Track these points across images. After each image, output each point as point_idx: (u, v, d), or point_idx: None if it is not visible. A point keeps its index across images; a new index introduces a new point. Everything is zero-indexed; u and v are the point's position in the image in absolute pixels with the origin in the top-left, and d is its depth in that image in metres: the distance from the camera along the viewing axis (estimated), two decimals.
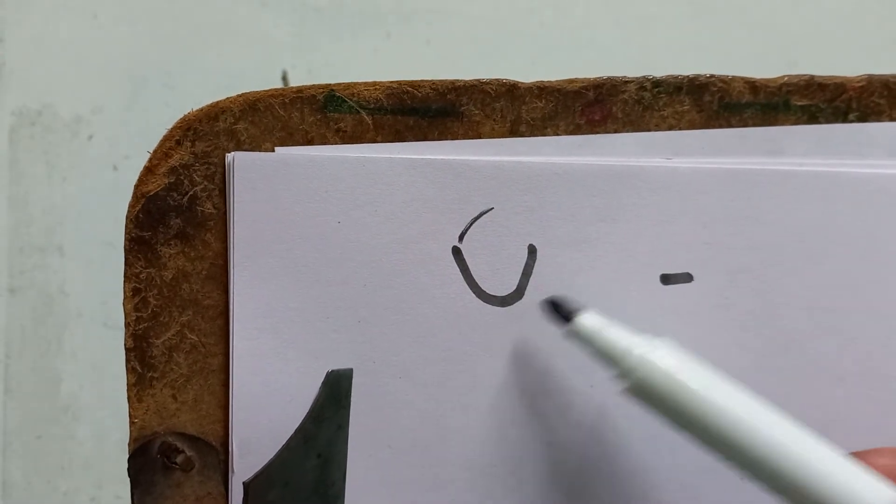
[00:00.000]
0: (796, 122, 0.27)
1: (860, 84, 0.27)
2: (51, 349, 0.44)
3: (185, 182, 0.26)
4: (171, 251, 0.26)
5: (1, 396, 0.44)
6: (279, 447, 0.23)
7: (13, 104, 0.46)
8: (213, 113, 0.25)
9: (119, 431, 0.45)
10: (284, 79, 0.46)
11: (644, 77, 0.26)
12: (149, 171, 0.25)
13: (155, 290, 0.26)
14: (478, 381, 0.27)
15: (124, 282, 0.26)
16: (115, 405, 0.44)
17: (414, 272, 0.26)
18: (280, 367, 0.26)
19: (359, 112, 0.26)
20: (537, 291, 0.27)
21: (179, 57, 0.46)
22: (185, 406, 0.26)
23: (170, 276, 0.26)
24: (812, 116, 0.27)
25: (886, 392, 0.27)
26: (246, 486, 0.23)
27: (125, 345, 0.26)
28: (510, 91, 0.26)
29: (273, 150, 0.26)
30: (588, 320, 0.24)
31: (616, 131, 0.27)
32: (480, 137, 0.26)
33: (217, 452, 0.26)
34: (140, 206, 0.26)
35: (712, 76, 0.27)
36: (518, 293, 0.27)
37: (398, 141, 0.26)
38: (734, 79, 0.27)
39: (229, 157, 0.26)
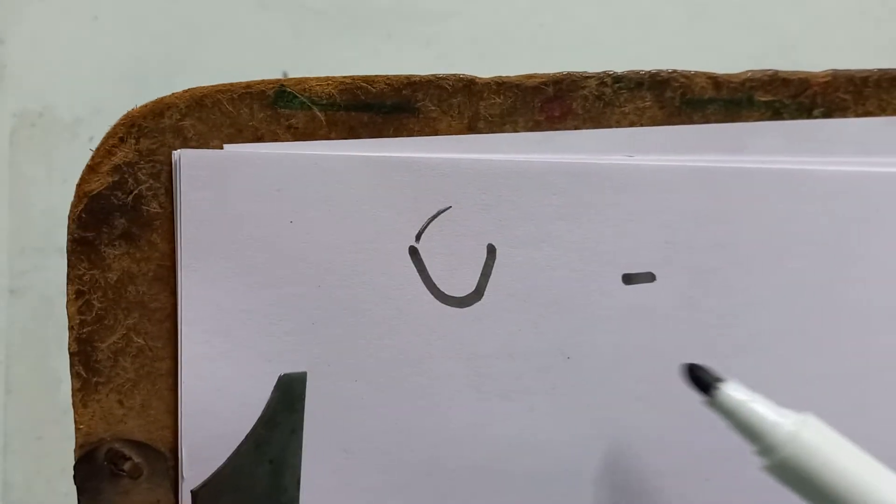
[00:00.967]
0: (760, 119, 0.26)
1: (825, 79, 0.26)
2: (51, 350, 0.44)
3: (130, 181, 0.25)
4: (116, 252, 0.25)
5: (1, 397, 0.44)
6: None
7: (13, 106, 0.45)
8: (158, 109, 0.25)
9: None
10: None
11: (604, 72, 0.26)
12: (91, 169, 0.25)
13: (99, 292, 0.25)
14: (436, 384, 0.26)
15: (67, 284, 0.25)
16: None
17: (369, 273, 0.26)
18: (231, 371, 0.26)
19: (311, 108, 0.25)
20: (496, 292, 0.26)
21: (179, 57, 0.46)
22: (133, 412, 0.26)
23: (114, 278, 0.25)
24: (776, 112, 0.26)
25: (852, 391, 0.27)
26: (194, 493, 0.22)
27: (69, 349, 0.25)
28: (468, 87, 0.26)
29: (221, 148, 0.25)
30: (732, 393, 0.23)
31: (576, 128, 0.26)
32: (437, 134, 0.26)
33: (166, 459, 0.26)
34: (83, 205, 0.25)
35: (674, 71, 0.26)
36: (477, 294, 0.26)
37: (352, 138, 0.26)
38: (696, 74, 0.26)
39: (176, 154, 0.25)
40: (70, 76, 0.45)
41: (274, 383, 0.23)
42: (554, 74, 0.26)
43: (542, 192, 0.26)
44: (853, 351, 0.27)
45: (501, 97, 0.26)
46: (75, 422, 0.25)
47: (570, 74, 0.26)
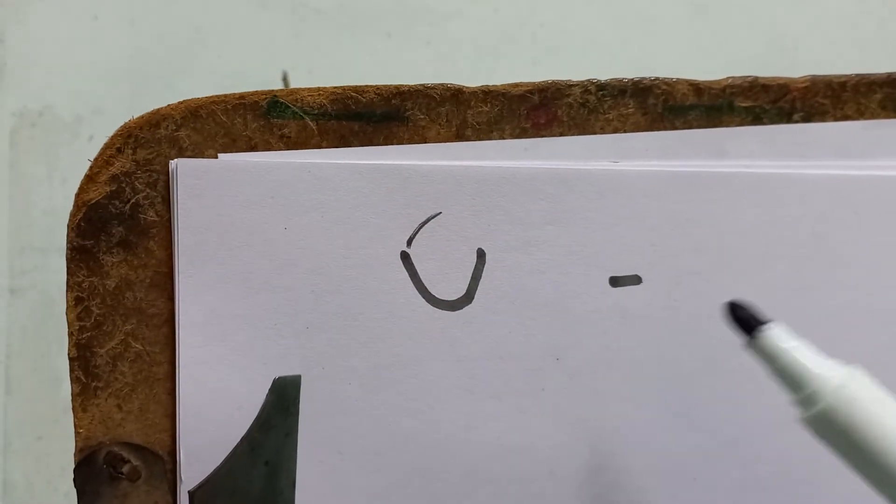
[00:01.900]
0: (741, 124, 0.27)
1: (804, 85, 0.27)
2: (51, 350, 0.44)
3: (127, 190, 0.25)
4: (114, 260, 0.26)
5: (1, 397, 0.44)
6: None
7: (13, 105, 0.45)
8: (155, 120, 0.25)
9: None
10: (285, 79, 0.46)
11: (588, 80, 0.27)
12: (90, 179, 0.25)
13: (98, 298, 0.26)
14: (428, 386, 0.27)
15: (66, 291, 0.25)
16: None
17: (362, 278, 0.26)
18: (227, 375, 0.26)
19: (303, 117, 0.26)
20: (486, 295, 0.27)
21: (179, 57, 0.45)
22: (131, 416, 0.26)
23: (113, 285, 0.26)
24: (756, 118, 0.27)
25: None
26: (191, 494, 0.23)
27: (68, 354, 0.26)
28: (455, 95, 0.26)
29: (216, 157, 0.26)
30: (777, 336, 0.21)
31: (562, 134, 0.27)
32: (426, 142, 0.26)
33: (164, 462, 0.26)
34: (81, 214, 0.25)
35: (657, 79, 0.27)
36: (468, 297, 0.27)
37: (343, 146, 0.26)
38: (678, 81, 0.27)
39: (173, 164, 0.25)
40: (70, 76, 0.45)
41: (269, 387, 0.23)
42: (539, 83, 0.26)
43: (529, 197, 0.27)
44: (834, 350, 0.27)
45: (488, 105, 0.26)
46: (75, 426, 0.26)
47: (555, 83, 0.26)
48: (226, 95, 0.25)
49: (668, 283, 0.27)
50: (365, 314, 0.26)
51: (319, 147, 0.26)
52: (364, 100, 0.26)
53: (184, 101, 0.25)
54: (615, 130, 0.27)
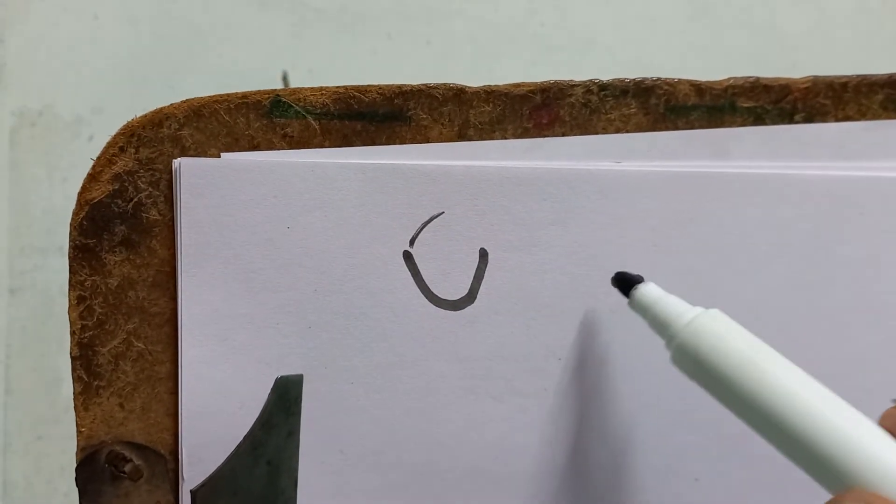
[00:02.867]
0: (742, 124, 0.27)
1: (805, 85, 0.27)
2: (51, 349, 0.44)
3: (130, 189, 0.25)
4: (117, 258, 0.26)
5: (1, 396, 0.44)
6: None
7: (14, 105, 0.45)
8: (157, 119, 0.25)
9: None
10: (285, 79, 0.46)
11: (591, 80, 0.27)
12: (92, 178, 0.25)
13: (100, 297, 0.26)
14: (430, 386, 0.27)
15: (69, 290, 0.25)
16: None
17: (364, 277, 0.26)
18: (229, 374, 0.26)
19: (305, 117, 0.26)
20: (489, 295, 0.27)
21: (179, 57, 0.46)
22: (133, 415, 0.26)
23: (115, 284, 0.26)
24: (758, 118, 0.27)
25: (834, 389, 0.27)
26: (193, 493, 0.23)
27: (70, 353, 0.25)
28: (457, 95, 0.26)
29: (219, 156, 0.26)
30: (648, 290, 0.24)
31: (564, 134, 0.27)
32: (428, 142, 0.26)
33: (166, 461, 0.26)
34: (84, 213, 0.25)
35: (658, 79, 0.27)
36: (470, 297, 0.27)
37: (346, 146, 0.26)
38: (680, 81, 0.27)
39: (176, 163, 0.25)
40: (70, 75, 0.45)
41: (271, 386, 0.23)
42: (542, 83, 0.26)
43: (532, 197, 0.27)
44: (834, 349, 0.27)
45: (491, 105, 0.27)
46: (77, 425, 0.26)
47: (557, 83, 0.26)
48: (228, 95, 0.25)
49: (670, 282, 0.27)
50: (367, 314, 0.26)
51: (322, 146, 0.26)
52: (367, 99, 0.26)
53: (186, 100, 0.25)
54: (617, 130, 0.27)
